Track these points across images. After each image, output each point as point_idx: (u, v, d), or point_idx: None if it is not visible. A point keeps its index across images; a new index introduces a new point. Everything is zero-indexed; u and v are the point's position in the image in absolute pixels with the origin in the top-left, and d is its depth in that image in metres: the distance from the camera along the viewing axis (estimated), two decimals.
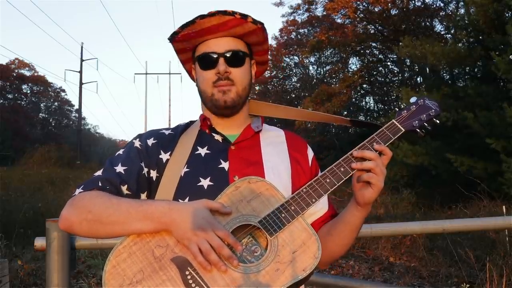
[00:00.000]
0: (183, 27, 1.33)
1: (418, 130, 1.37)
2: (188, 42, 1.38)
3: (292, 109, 1.57)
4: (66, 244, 2.15)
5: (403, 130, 1.34)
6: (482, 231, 5.80)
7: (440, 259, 6.01)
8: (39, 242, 2.21)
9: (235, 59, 1.35)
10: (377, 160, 1.25)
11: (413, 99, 1.41)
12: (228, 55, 1.34)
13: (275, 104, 1.56)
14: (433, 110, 1.38)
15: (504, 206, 6.57)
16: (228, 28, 1.33)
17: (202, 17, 1.31)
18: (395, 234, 3.47)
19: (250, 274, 1.14)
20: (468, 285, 3.42)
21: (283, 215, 1.20)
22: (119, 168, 1.29)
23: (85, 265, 5.79)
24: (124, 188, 1.27)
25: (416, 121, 1.36)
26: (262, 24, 1.35)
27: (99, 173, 1.31)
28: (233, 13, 1.30)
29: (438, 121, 1.41)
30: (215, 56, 1.34)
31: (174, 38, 1.38)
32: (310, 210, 1.27)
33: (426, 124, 1.38)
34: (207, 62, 1.35)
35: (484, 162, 9.99)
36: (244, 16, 1.31)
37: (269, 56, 1.55)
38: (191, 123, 1.47)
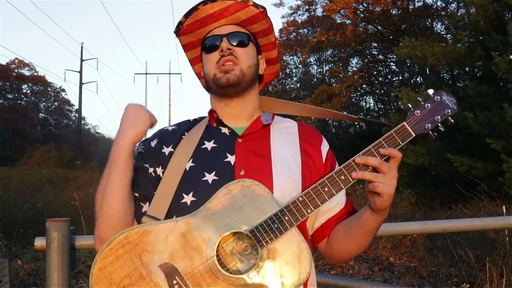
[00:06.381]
0: (187, 15, 1.34)
1: (430, 133, 1.22)
2: (193, 34, 1.38)
3: (303, 105, 1.56)
4: (66, 244, 2.15)
5: (414, 135, 1.21)
6: (482, 231, 5.79)
7: (440, 259, 6.01)
8: (39, 242, 2.20)
9: (238, 39, 1.34)
10: (381, 166, 1.16)
11: (430, 91, 1.26)
12: (231, 35, 1.34)
13: (286, 100, 1.54)
14: (449, 109, 1.24)
15: (504, 206, 6.57)
16: (230, 13, 1.33)
17: (204, 3, 1.31)
18: (395, 234, 3.47)
19: (238, 287, 1.12)
20: (468, 285, 3.43)
21: (276, 225, 1.13)
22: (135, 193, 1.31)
23: (85, 265, 5.77)
24: (145, 206, 1.29)
25: (429, 124, 1.22)
26: (264, 8, 1.34)
27: None
28: None
29: (453, 121, 1.23)
30: (218, 37, 1.34)
31: (179, 30, 1.37)
32: (324, 207, 1.22)
33: (440, 125, 1.23)
34: (211, 45, 1.35)
35: (484, 162, 9.99)
36: (245, 0, 1.32)
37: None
38: (200, 118, 1.44)
